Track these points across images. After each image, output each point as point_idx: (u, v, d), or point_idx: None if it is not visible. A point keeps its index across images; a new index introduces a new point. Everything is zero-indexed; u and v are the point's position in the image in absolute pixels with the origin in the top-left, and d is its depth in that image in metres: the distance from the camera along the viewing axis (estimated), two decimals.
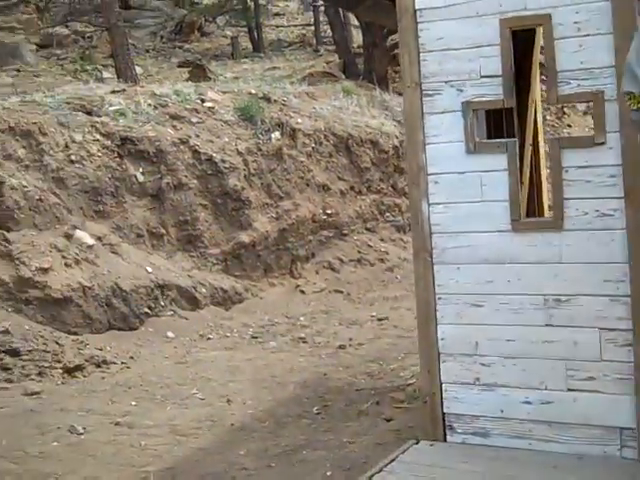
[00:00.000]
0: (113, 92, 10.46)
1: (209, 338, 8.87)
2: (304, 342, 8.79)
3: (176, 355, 8.14)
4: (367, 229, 12.42)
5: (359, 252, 11.92)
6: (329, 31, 26.98)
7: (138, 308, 8.82)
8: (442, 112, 4.74)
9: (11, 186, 8.50)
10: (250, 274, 10.48)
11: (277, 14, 28.75)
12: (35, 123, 9.11)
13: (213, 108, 10.98)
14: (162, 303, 9.12)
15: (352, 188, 12.41)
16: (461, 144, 4.69)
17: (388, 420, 6.00)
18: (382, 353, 8.29)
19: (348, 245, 11.94)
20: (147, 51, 25.25)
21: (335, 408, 6.42)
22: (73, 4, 25.90)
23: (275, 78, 17.37)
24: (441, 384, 4.88)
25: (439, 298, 4.84)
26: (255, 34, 25.56)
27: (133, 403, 6.55)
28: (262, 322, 9.64)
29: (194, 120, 10.58)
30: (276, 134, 11.19)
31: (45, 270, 8.10)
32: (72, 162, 9.15)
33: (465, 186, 4.70)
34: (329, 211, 11.80)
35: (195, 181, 10.18)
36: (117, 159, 9.59)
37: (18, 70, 20.42)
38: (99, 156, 9.39)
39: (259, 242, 10.55)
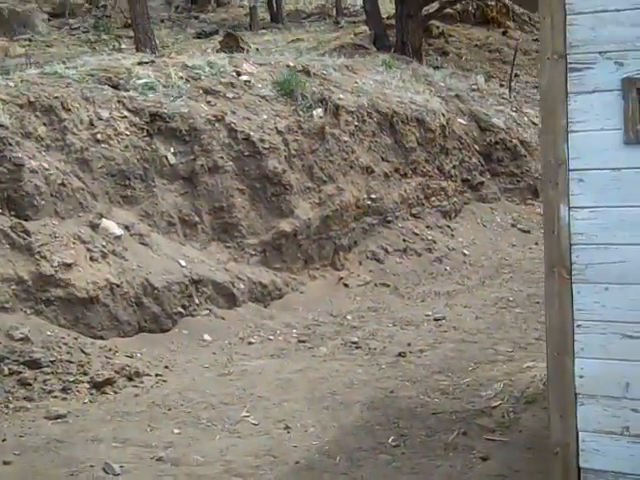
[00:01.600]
0: (140, 64, 9.40)
1: (250, 342, 7.87)
2: (358, 347, 7.80)
3: (217, 364, 7.15)
4: (412, 215, 11.40)
5: (404, 241, 10.91)
6: (349, 1, 25.83)
7: (171, 307, 7.82)
8: (592, 91, 3.69)
9: (31, 169, 7.48)
10: (290, 266, 9.47)
11: None
12: (57, 97, 8.07)
13: (249, 82, 9.93)
14: (197, 301, 8.13)
15: (397, 170, 11.38)
16: (617, 133, 3.65)
17: (484, 459, 5.02)
18: (448, 363, 7.32)
19: (393, 233, 10.93)
20: (162, 21, 24.15)
21: (415, 439, 5.44)
22: None
23: (301, 50, 16.31)
24: (577, 432, 3.89)
25: (578, 325, 3.83)
26: (274, 4, 24.47)
27: (176, 430, 5.56)
28: (306, 322, 8.65)
29: (230, 95, 9.53)
30: (318, 111, 10.14)
31: (68, 265, 7.11)
32: (98, 142, 8.13)
33: (620, 186, 3.67)
34: (373, 196, 10.78)
35: (231, 163, 9.15)
36: (146, 138, 8.56)
37: (30, 40, 19.42)
38: (127, 135, 8.36)
39: (301, 231, 9.52)
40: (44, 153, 7.71)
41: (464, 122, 12.98)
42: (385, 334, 8.26)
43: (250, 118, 9.47)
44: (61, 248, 7.14)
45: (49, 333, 6.63)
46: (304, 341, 7.98)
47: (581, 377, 3.86)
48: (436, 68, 15.64)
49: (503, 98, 15.36)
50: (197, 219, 8.79)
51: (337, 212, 10.05)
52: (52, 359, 6.29)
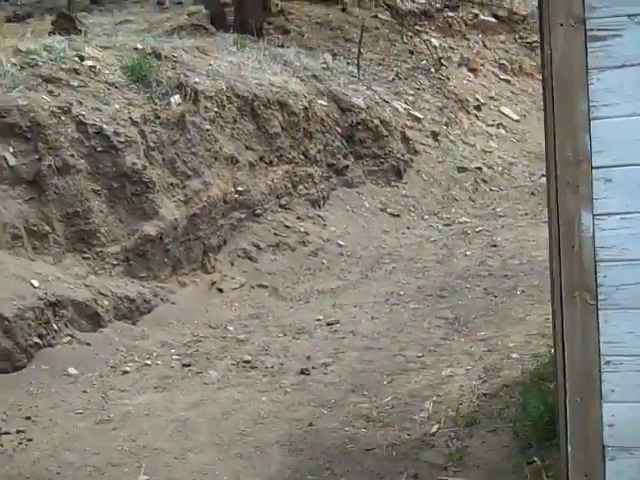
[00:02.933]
0: None
1: (125, 371, 6.70)
2: (253, 368, 6.81)
3: (91, 407, 5.94)
4: (281, 206, 10.47)
5: (276, 235, 9.98)
6: None
7: (25, 339, 6.52)
8: (622, 66, 2.88)
9: None
10: (157, 274, 8.33)
11: None
12: None
13: (95, 67, 8.64)
14: (55, 327, 6.86)
15: (261, 159, 10.40)
16: None
17: None
18: (359, 377, 6.49)
19: (263, 227, 9.97)
20: None
21: None
22: None
23: (138, 32, 14.97)
24: None
25: (607, 362, 3.05)
26: None
27: None
28: (184, 338, 7.56)
29: (74, 83, 8.22)
30: (176, 98, 8.99)
31: None
32: None
33: None
34: (240, 188, 9.77)
35: (83, 161, 7.89)
36: None
37: None
38: None
39: (167, 233, 8.38)
40: None
41: (324, 103, 12.16)
42: (278, 346, 7.31)
43: (100, 109, 8.21)
44: None
45: None
46: (189, 365, 6.90)
47: (611, 426, 3.07)
48: (281, 47, 14.75)
49: (353, 76, 14.68)
50: (48, 228, 7.49)
51: (205, 209, 8.99)
52: None
